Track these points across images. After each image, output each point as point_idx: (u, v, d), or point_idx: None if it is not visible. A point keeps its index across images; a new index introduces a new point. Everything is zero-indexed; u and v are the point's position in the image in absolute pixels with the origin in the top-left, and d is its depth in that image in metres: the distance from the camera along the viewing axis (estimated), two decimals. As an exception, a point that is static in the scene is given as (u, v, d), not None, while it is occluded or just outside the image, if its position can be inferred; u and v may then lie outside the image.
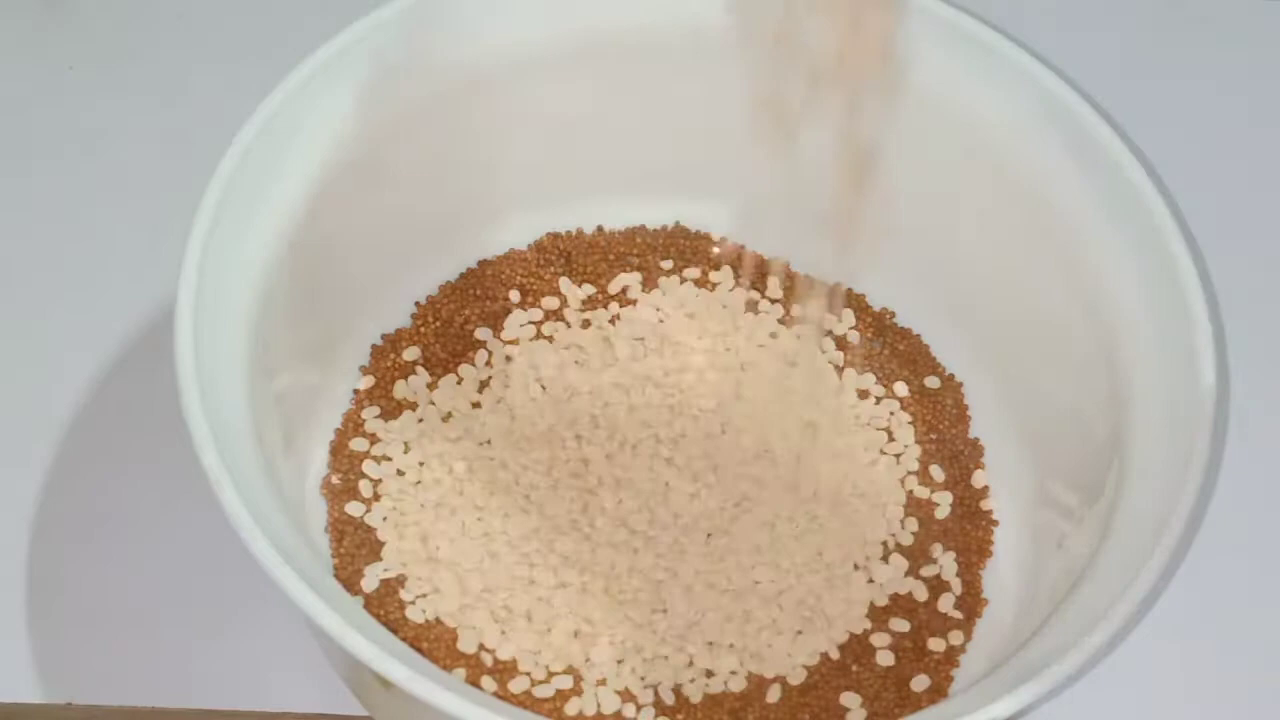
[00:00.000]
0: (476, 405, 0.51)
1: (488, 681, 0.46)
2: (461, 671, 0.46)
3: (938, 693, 0.48)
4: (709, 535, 0.49)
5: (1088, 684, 0.48)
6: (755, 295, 0.55)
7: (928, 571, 0.50)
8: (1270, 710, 0.50)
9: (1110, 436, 0.46)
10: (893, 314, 0.55)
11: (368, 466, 0.50)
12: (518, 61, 0.51)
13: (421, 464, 0.50)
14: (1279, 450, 0.54)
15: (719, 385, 0.52)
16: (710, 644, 0.47)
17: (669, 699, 0.46)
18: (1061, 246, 0.48)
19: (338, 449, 0.51)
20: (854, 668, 0.48)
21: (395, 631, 0.46)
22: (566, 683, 0.46)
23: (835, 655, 0.48)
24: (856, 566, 0.49)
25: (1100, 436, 0.47)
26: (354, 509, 0.49)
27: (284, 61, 0.47)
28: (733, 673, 0.47)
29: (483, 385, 0.52)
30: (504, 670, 0.46)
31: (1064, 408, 0.50)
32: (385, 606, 0.47)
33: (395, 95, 0.49)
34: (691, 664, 0.47)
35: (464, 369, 0.52)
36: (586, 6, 0.50)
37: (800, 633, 0.48)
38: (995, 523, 0.51)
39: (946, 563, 0.50)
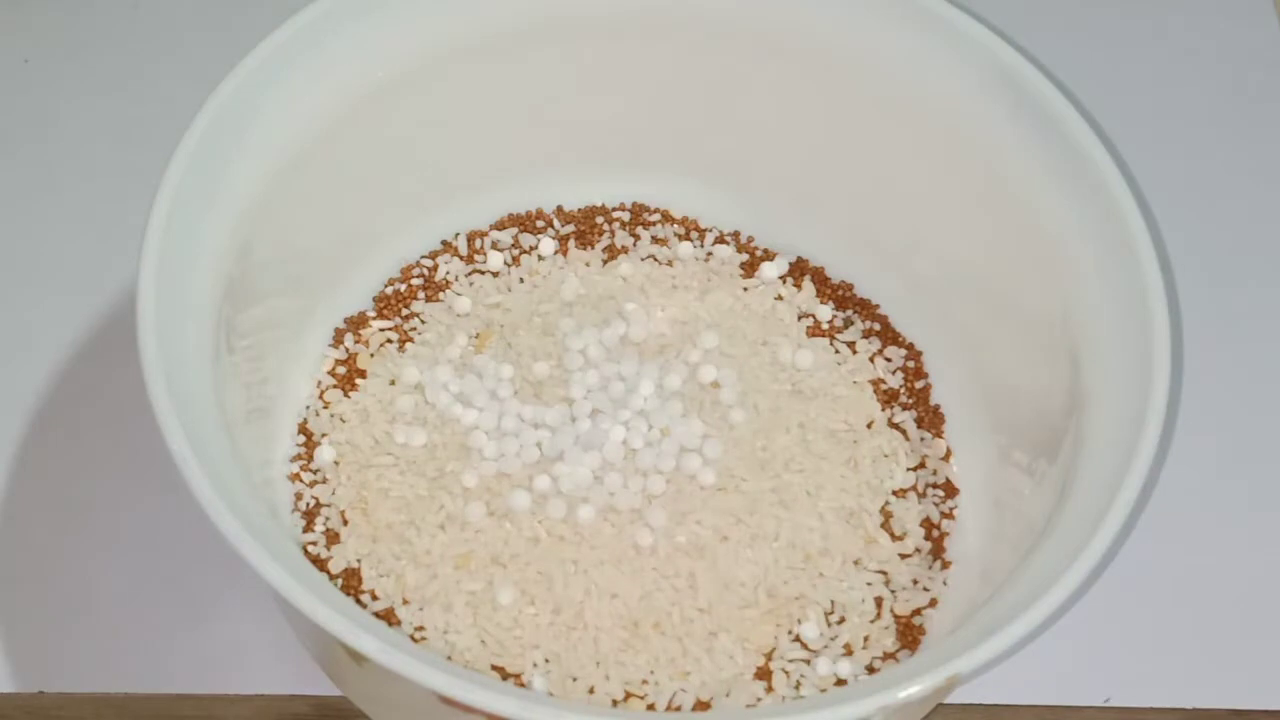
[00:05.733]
0: (445, 382, 0.52)
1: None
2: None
3: (906, 656, 0.48)
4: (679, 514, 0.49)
5: (1048, 639, 0.49)
6: (716, 268, 0.55)
7: (894, 536, 0.50)
8: (1221, 667, 0.51)
9: (1067, 399, 0.47)
10: (852, 286, 0.55)
11: (334, 448, 0.50)
12: (472, 44, 0.51)
13: (389, 438, 0.50)
14: (1232, 410, 0.55)
15: (691, 351, 0.52)
16: (682, 632, 0.48)
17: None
18: (1016, 215, 0.49)
19: (304, 430, 0.51)
20: (824, 634, 0.48)
21: (364, 609, 0.47)
22: (538, 656, 0.47)
23: (808, 624, 0.48)
24: (824, 537, 0.50)
25: (1057, 400, 0.47)
26: (322, 490, 0.50)
27: (238, 48, 0.47)
28: (708, 643, 0.48)
29: (453, 358, 0.52)
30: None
31: (1022, 373, 0.50)
32: (354, 586, 0.48)
33: (350, 80, 0.49)
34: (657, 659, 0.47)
35: (428, 344, 0.52)
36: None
37: (771, 610, 0.48)
38: (957, 490, 0.52)
39: (911, 528, 0.50)
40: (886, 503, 0.51)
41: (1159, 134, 0.60)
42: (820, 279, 0.55)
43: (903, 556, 0.50)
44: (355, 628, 0.38)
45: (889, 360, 0.54)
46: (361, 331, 0.53)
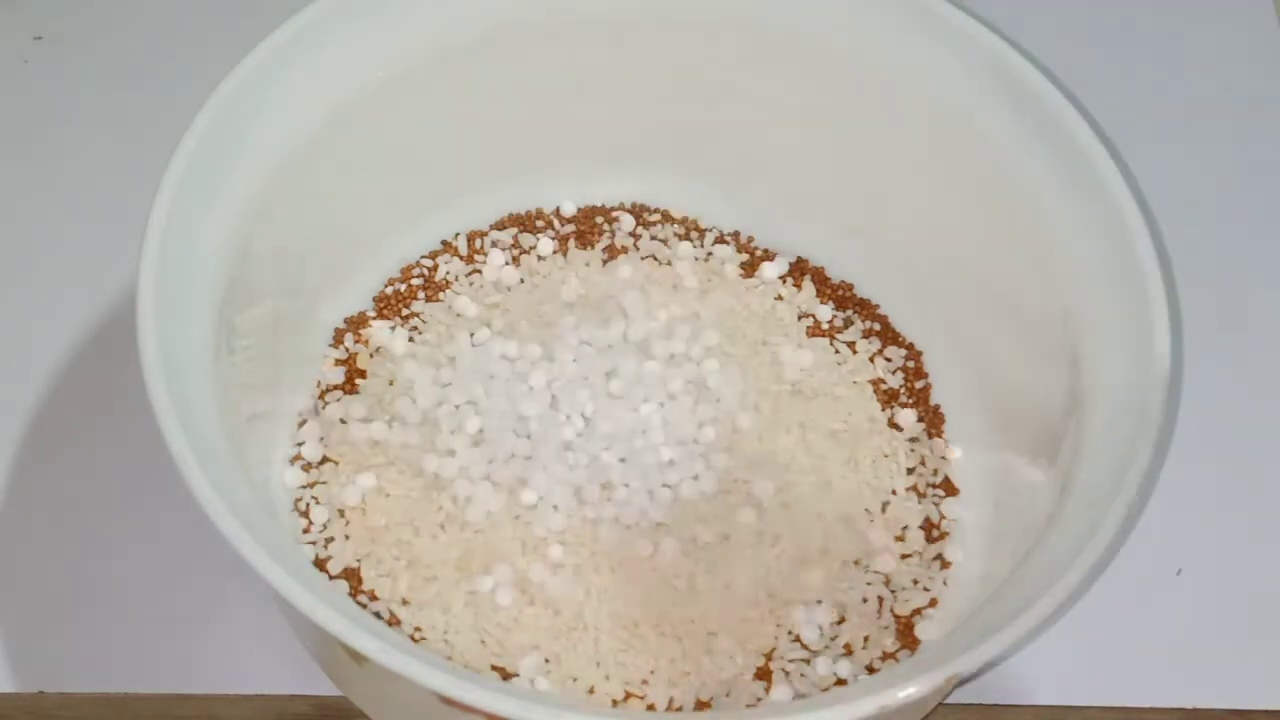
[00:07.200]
0: (447, 383, 0.51)
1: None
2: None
3: (906, 656, 0.48)
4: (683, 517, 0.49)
5: (1048, 639, 0.49)
6: (716, 268, 0.55)
7: (894, 537, 0.50)
8: (1221, 667, 0.51)
9: (1067, 400, 0.47)
10: (852, 286, 0.55)
11: (334, 448, 0.50)
12: (472, 44, 0.51)
13: (389, 439, 0.50)
14: (1232, 410, 0.55)
15: (691, 351, 0.52)
16: (691, 622, 0.48)
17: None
18: (1016, 216, 0.49)
19: (304, 429, 0.51)
20: (824, 634, 0.48)
21: (364, 610, 0.47)
22: (538, 656, 0.47)
23: (808, 624, 0.48)
24: (824, 537, 0.50)
25: (1057, 400, 0.47)
26: (321, 490, 0.50)
27: (239, 48, 0.47)
28: (710, 633, 0.48)
29: (453, 358, 0.52)
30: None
31: (1022, 373, 0.50)
32: (353, 586, 0.48)
33: (350, 80, 0.49)
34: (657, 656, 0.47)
35: (428, 344, 0.52)
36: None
37: (771, 610, 0.48)
38: (957, 490, 0.52)
39: (911, 528, 0.50)
40: (886, 503, 0.51)
41: (1159, 134, 0.60)
42: (820, 279, 0.55)
43: (903, 557, 0.50)
44: (355, 628, 0.38)
45: (889, 360, 0.54)
46: (361, 331, 0.53)
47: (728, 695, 0.47)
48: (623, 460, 0.50)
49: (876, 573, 0.49)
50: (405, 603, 0.47)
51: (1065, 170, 0.48)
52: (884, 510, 0.51)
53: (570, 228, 0.56)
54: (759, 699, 0.47)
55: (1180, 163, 0.60)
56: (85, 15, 0.62)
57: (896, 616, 0.49)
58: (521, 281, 0.54)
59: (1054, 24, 0.63)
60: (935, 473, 0.52)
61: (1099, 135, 0.48)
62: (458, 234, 0.55)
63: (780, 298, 0.55)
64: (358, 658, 0.39)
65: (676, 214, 0.56)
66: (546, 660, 0.47)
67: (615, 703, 0.46)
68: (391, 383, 0.52)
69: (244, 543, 0.39)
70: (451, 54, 0.51)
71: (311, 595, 0.39)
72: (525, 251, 0.55)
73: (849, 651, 0.48)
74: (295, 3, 0.48)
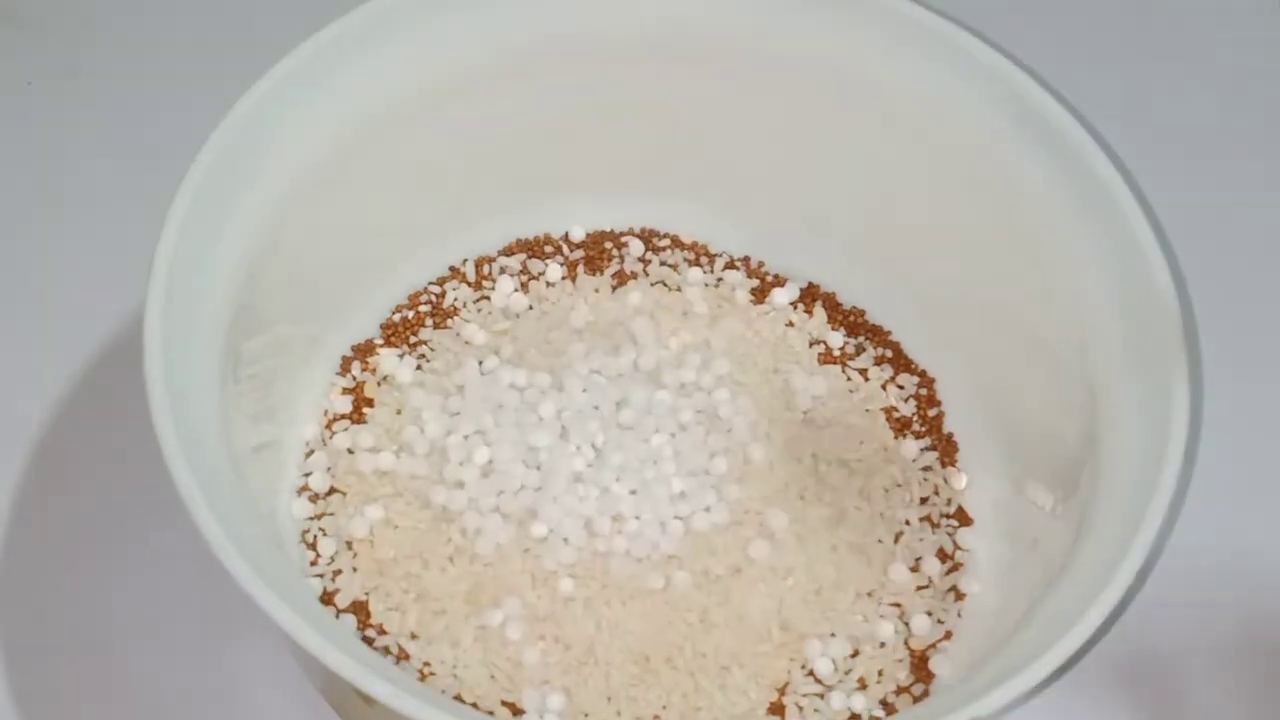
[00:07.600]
0: (455, 412, 0.51)
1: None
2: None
3: (920, 690, 0.48)
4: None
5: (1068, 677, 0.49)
6: (727, 294, 0.55)
7: (908, 568, 0.50)
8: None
9: (1084, 429, 0.46)
10: (863, 312, 0.55)
11: (341, 478, 0.50)
12: (480, 71, 0.50)
13: (396, 469, 0.50)
14: (1252, 443, 0.55)
15: (702, 379, 0.52)
16: (702, 657, 0.47)
17: None
18: (1030, 242, 0.49)
19: (311, 460, 0.50)
20: (837, 668, 0.48)
21: (372, 644, 0.46)
22: (548, 691, 0.46)
23: (821, 658, 0.48)
24: (837, 569, 0.49)
25: (1074, 430, 0.47)
26: (329, 522, 0.49)
27: (248, 76, 0.47)
28: (723, 667, 0.47)
29: (461, 387, 0.51)
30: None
31: (1037, 403, 0.50)
32: (362, 619, 0.47)
33: (357, 108, 0.49)
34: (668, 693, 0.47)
35: (436, 373, 0.52)
36: (550, 13, 0.50)
37: (784, 644, 0.48)
38: (970, 520, 0.51)
39: (925, 560, 0.50)
40: (900, 534, 0.50)
41: (1179, 164, 0.60)
42: (831, 305, 0.55)
43: (917, 589, 0.49)
44: (366, 672, 0.38)
45: (901, 388, 0.53)
46: (369, 359, 0.52)
47: (741, 732, 0.46)
48: (633, 492, 0.49)
49: (890, 605, 0.49)
50: (414, 636, 0.47)
51: (1083, 201, 0.47)
52: (897, 541, 0.50)
53: (579, 253, 0.55)
54: (772, 735, 0.46)
55: (1199, 193, 0.59)
56: (87, 38, 0.62)
57: (911, 650, 0.48)
58: (530, 308, 0.54)
59: (1073, 54, 0.63)
60: (949, 502, 0.51)
61: (1114, 161, 0.47)
62: (465, 260, 0.55)
63: (791, 324, 0.54)
64: (368, 699, 0.39)
65: (686, 239, 0.56)
66: (557, 695, 0.46)
67: (627, 739, 0.46)
68: (399, 412, 0.51)
69: (254, 585, 0.39)
70: (457, 82, 0.50)
71: (321, 638, 0.38)
72: (534, 277, 0.55)
73: (863, 685, 0.48)
74: (306, 29, 0.47)
